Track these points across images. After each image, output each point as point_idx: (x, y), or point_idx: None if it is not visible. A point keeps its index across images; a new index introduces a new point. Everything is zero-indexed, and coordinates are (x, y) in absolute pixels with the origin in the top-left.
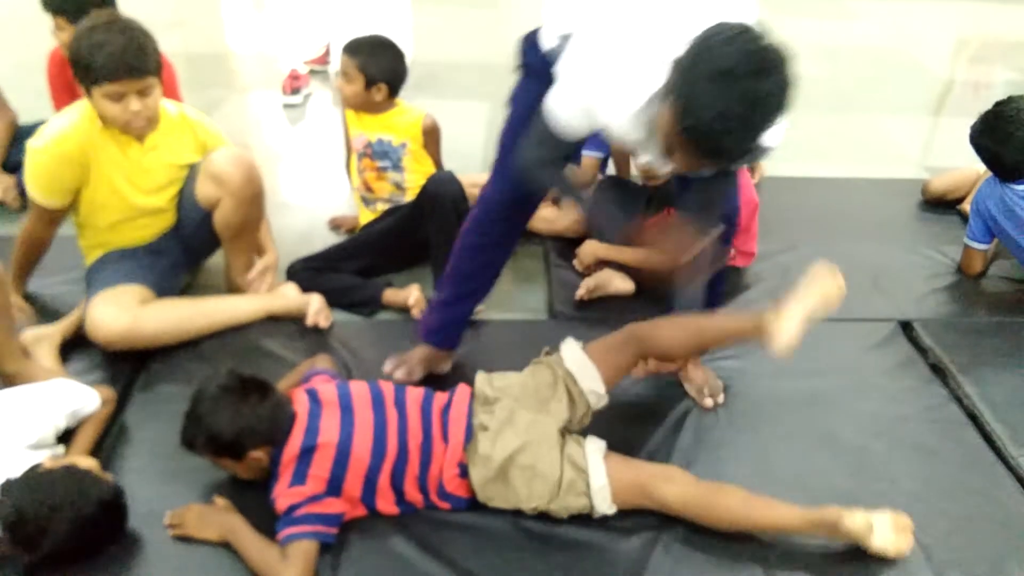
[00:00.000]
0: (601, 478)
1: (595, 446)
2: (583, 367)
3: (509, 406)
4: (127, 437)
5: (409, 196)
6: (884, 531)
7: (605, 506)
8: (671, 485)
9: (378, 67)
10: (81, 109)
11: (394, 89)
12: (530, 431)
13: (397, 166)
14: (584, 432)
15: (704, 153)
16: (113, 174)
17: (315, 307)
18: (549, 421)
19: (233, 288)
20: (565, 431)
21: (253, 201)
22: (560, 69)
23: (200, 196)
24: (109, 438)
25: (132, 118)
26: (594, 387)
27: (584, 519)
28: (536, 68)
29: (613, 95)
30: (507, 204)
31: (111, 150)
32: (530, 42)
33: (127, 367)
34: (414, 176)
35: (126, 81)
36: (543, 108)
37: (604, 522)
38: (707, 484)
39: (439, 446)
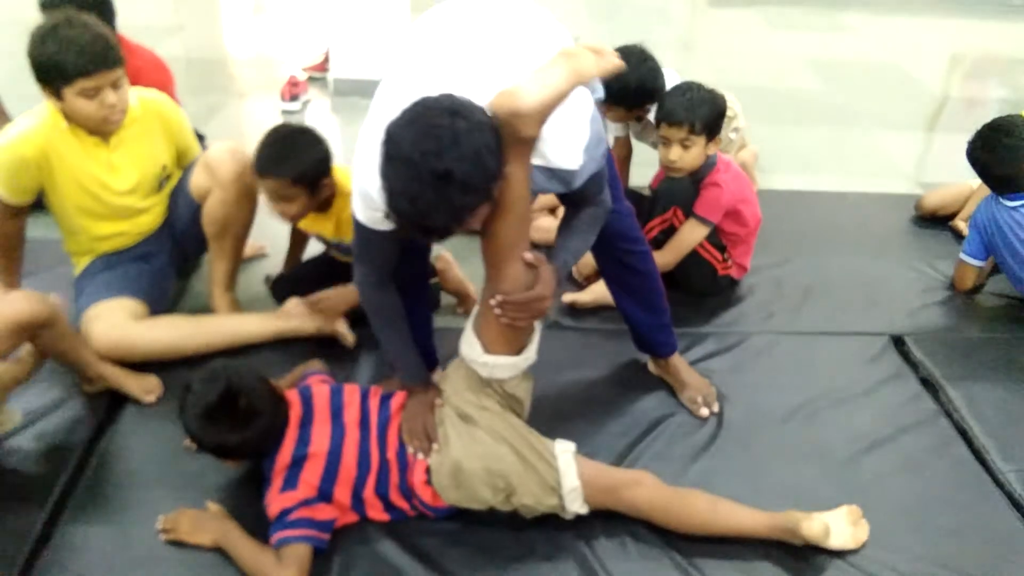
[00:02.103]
0: (573, 480)
1: (565, 447)
2: (464, 338)
3: (447, 410)
4: (121, 441)
5: None
6: (840, 528)
7: (577, 505)
8: (640, 489)
9: (309, 164)
10: (44, 112)
11: (327, 172)
12: (469, 434)
13: None
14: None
15: (414, 231)
16: (81, 176)
17: (343, 331)
18: (483, 415)
19: (211, 305)
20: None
21: (241, 197)
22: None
23: (193, 186)
24: (103, 441)
25: (109, 112)
26: (470, 354)
27: (581, 530)
28: None
29: (370, 177)
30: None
31: (76, 153)
32: None
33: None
34: None
35: (101, 74)
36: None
37: (599, 535)
38: (675, 489)
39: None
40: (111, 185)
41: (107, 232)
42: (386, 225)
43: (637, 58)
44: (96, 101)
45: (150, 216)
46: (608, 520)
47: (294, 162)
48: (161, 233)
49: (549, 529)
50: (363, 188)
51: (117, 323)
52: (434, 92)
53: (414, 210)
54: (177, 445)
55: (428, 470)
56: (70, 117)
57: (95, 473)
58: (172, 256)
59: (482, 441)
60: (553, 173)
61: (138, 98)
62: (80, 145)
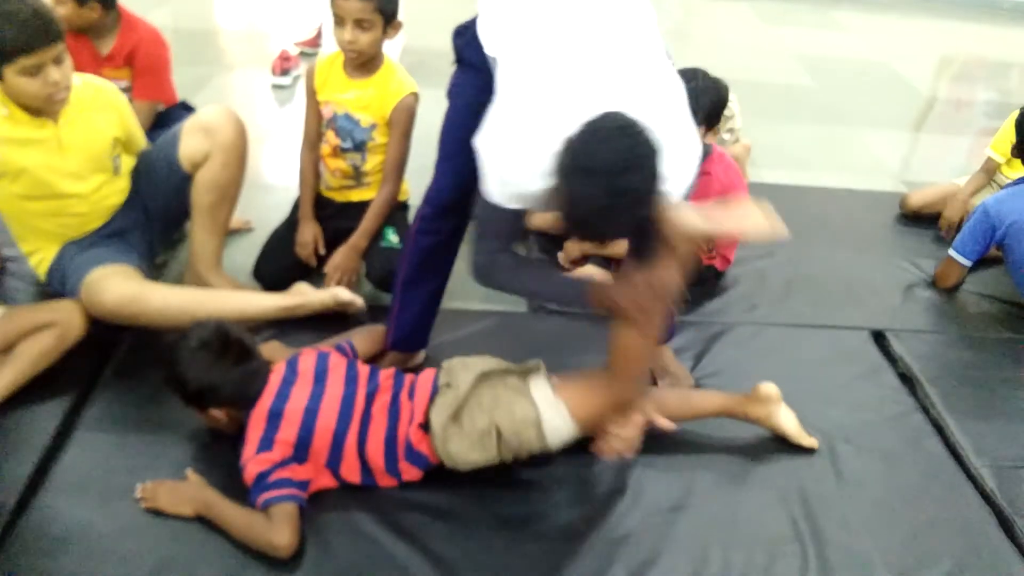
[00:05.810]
0: (545, 388)
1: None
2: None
3: (470, 373)
4: (101, 411)
5: (367, 187)
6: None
7: (559, 420)
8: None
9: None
10: None
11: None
12: (488, 380)
13: (360, 147)
14: None
15: (583, 237)
16: (27, 161)
17: (346, 298)
18: (510, 380)
19: (200, 284)
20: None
21: (241, 160)
22: (478, 142)
23: (184, 155)
24: (84, 407)
25: (54, 90)
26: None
27: (566, 508)
28: (475, 63)
29: (519, 170)
30: (452, 201)
31: (19, 136)
32: (467, 36)
33: (106, 338)
34: (378, 161)
35: (44, 50)
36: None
37: (579, 512)
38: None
39: (406, 404)
40: (60, 166)
41: (67, 211)
42: (520, 204)
43: None
44: (39, 79)
45: (111, 193)
46: (594, 493)
47: None
48: (129, 212)
49: (533, 504)
50: (502, 174)
51: (131, 278)
52: (589, 99)
53: (596, 219)
54: (157, 415)
55: (426, 415)
56: (13, 99)
57: (75, 443)
58: (145, 235)
59: (500, 384)
60: None
61: (83, 81)
62: (24, 129)
